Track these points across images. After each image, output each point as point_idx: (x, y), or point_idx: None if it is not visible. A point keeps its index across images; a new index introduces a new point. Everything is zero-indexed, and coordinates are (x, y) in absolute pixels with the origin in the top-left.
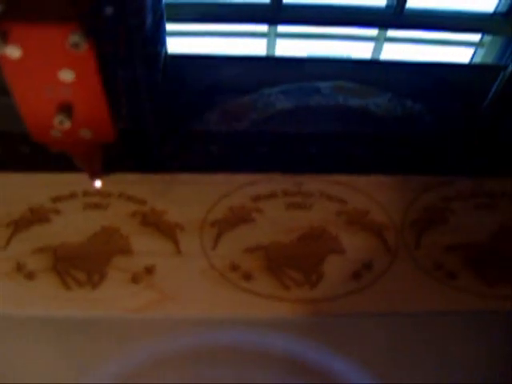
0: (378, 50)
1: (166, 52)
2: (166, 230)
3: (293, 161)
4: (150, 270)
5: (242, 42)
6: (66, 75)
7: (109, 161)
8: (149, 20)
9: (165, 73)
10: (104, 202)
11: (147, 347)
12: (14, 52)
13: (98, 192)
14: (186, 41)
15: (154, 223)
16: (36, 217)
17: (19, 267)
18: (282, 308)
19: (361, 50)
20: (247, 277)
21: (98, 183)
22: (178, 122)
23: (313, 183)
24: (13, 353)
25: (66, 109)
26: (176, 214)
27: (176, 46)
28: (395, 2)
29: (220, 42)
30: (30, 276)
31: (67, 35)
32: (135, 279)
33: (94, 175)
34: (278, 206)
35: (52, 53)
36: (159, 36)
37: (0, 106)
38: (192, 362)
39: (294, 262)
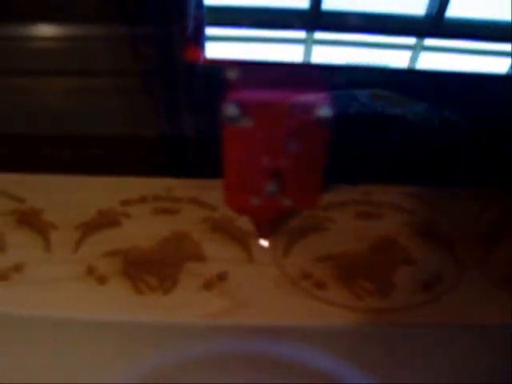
0: (414, 58)
1: (205, 57)
2: (238, 237)
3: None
4: (222, 277)
5: (278, 48)
6: (294, 146)
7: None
8: (191, 25)
9: (203, 78)
10: (175, 207)
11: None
12: (247, 123)
13: (169, 197)
14: (222, 46)
15: (225, 230)
16: (105, 220)
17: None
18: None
19: (397, 59)
20: (320, 285)
21: (265, 243)
22: (215, 129)
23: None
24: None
25: (278, 177)
26: (246, 221)
27: (213, 51)
28: (435, 10)
29: (257, 47)
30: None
31: (317, 107)
32: (207, 286)
33: (265, 236)
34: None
35: (288, 123)
36: (199, 41)
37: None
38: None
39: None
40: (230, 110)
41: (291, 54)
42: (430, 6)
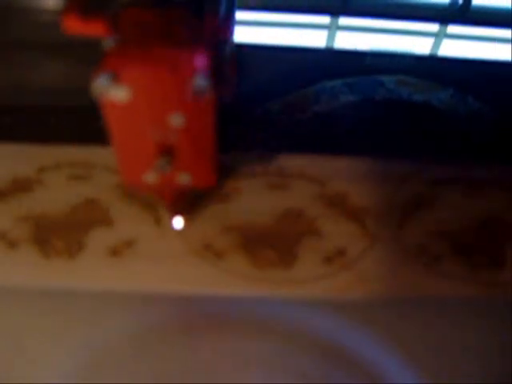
0: (437, 45)
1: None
2: (354, 215)
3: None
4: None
5: (302, 33)
6: (177, 120)
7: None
8: (222, 8)
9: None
10: (284, 183)
11: None
12: (121, 93)
13: (280, 174)
14: (248, 30)
15: (339, 206)
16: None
17: None
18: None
19: (422, 45)
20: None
21: (178, 223)
22: (240, 110)
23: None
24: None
25: (168, 154)
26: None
27: (240, 34)
28: None
29: (282, 32)
30: None
31: (191, 77)
32: (328, 260)
33: (176, 214)
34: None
35: (166, 96)
36: (229, 25)
37: None
38: None
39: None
40: (101, 80)
41: (316, 39)
42: None
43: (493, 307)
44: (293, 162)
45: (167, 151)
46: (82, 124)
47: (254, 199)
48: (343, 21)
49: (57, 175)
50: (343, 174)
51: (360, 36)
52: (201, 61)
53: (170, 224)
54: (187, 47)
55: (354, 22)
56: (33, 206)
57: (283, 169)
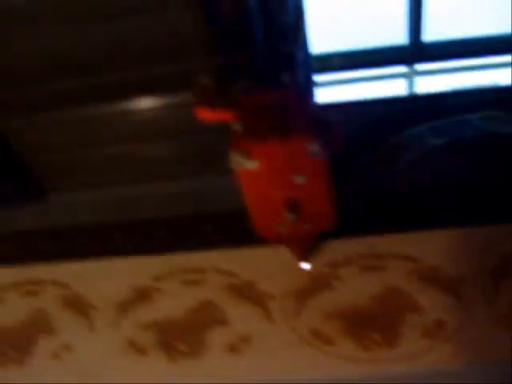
0: None
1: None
2: (448, 286)
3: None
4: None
5: (380, 84)
6: (300, 179)
7: None
8: (301, 75)
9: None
10: (380, 264)
11: None
12: (253, 165)
13: (375, 256)
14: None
15: (433, 279)
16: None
17: None
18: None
19: (501, 78)
20: None
21: (306, 265)
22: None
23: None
24: None
25: (294, 207)
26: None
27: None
28: None
29: (360, 87)
30: None
31: (307, 146)
32: (429, 334)
33: (303, 258)
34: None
35: (289, 162)
36: (309, 88)
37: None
38: None
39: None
40: (235, 157)
41: (394, 88)
42: None
43: None
44: (386, 242)
45: (293, 204)
46: (187, 232)
47: (353, 284)
48: (421, 67)
49: (172, 282)
50: (434, 247)
51: (439, 78)
52: (313, 135)
53: (281, 312)
54: (302, 126)
55: (430, 66)
56: (154, 313)
57: (377, 250)
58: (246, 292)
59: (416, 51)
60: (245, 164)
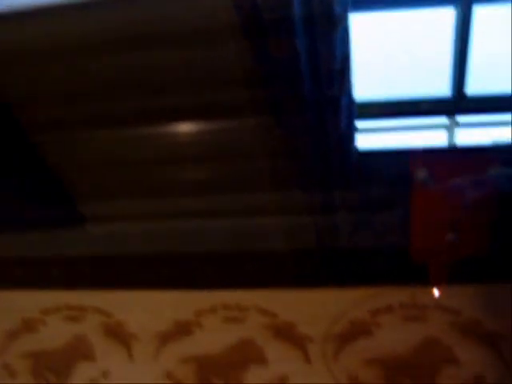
0: None
1: (356, 148)
2: (489, 341)
3: None
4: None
5: (421, 135)
6: (466, 202)
7: None
8: (344, 119)
9: (355, 168)
10: (420, 314)
11: None
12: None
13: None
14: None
15: (474, 333)
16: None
17: None
18: None
19: None
20: None
21: (437, 293)
22: (371, 215)
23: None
24: None
25: (457, 228)
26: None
27: (362, 141)
28: None
29: (400, 136)
30: None
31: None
32: None
33: (440, 281)
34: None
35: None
36: (351, 134)
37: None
38: None
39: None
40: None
41: (433, 139)
42: None
43: None
44: (427, 292)
45: (456, 225)
46: (230, 269)
47: (393, 332)
48: (463, 119)
49: (213, 318)
50: (476, 300)
51: (480, 131)
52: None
53: (320, 355)
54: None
55: (473, 119)
56: (194, 347)
57: (419, 300)
58: (286, 333)
59: (458, 103)
60: (428, 182)
